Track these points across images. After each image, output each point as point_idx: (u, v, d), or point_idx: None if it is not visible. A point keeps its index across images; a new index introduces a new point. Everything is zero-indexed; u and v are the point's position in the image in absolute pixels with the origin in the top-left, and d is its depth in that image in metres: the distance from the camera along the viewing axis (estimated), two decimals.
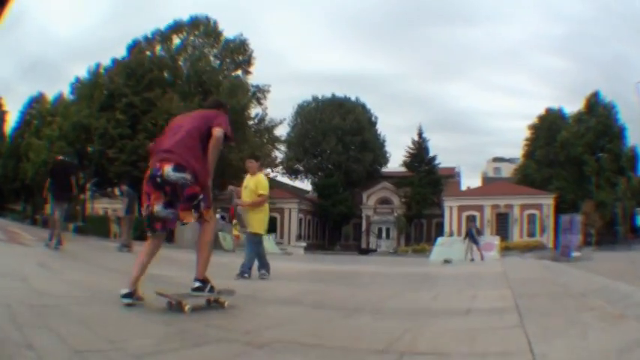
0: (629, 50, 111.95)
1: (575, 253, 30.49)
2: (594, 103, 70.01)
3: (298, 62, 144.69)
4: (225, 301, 5.95)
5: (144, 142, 37.23)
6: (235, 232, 31.71)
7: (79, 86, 50.55)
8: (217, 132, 5.76)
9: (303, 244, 56.90)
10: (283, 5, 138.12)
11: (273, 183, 78.92)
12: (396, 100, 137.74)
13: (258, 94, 55.10)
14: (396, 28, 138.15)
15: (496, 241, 35.68)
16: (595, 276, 11.50)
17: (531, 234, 65.59)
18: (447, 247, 33.20)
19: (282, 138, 66.44)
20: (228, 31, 54.64)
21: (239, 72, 55.24)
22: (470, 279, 13.42)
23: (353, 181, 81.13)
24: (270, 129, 56.78)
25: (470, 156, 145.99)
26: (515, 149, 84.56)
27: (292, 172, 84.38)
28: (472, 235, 30.35)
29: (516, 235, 65.31)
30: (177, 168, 5.52)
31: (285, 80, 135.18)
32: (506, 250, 42.31)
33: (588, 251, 36.76)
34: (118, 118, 43.22)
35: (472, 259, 28.68)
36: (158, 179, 5.58)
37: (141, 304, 5.54)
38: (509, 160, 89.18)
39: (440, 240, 35.49)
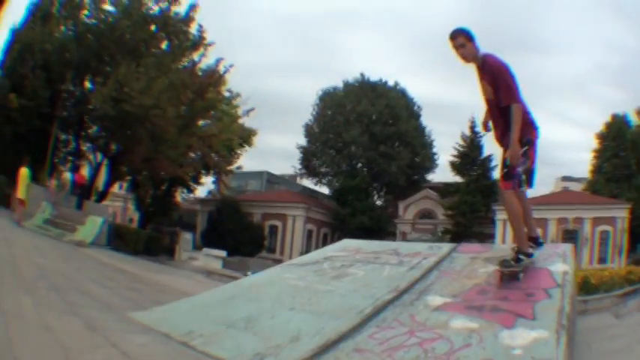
0: None
1: None
2: None
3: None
4: None
5: None
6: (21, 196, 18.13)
7: None
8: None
9: (222, 253, 29.61)
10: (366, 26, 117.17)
11: (273, 178, 52.82)
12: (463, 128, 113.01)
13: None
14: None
15: (561, 264, 5.35)
16: None
17: (603, 259, 42.01)
18: None
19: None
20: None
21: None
22: None
23: (387, 186, 56.46)
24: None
25: (539, 187, 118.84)
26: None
27: (311, 173, 59.38)
28: None
29: (585, 261, 40.83)
30: None
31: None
32: (583, 290, 12.57)
33: None
34: None
35: None
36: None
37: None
38: (579, 180, 66.67)
39: None
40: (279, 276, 6.61)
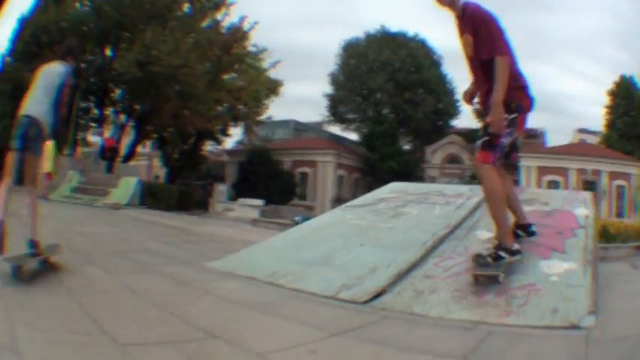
0: None
1: None
2: None
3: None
4: None
5: None
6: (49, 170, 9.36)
7: None
8: None
9: (259, 202, 30.64)
10: None
11: (300, 126, 52.68)
12: None
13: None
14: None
15: (583, 209, 5.90)
16: None
17: (620, 213, 41.59)
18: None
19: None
20: None
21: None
22: None
23: (414, 132, 56.49)
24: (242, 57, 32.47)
25: (557, 137, 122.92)
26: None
27: (338, 120, 59.20)
28: None
29: (604, 213, 39.44)
30: None
31: None
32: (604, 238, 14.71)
33: None
34: None
35: None
36: None
37: None
38: (594, 133, 64.43)
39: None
40: (341, 217, 6.99)
